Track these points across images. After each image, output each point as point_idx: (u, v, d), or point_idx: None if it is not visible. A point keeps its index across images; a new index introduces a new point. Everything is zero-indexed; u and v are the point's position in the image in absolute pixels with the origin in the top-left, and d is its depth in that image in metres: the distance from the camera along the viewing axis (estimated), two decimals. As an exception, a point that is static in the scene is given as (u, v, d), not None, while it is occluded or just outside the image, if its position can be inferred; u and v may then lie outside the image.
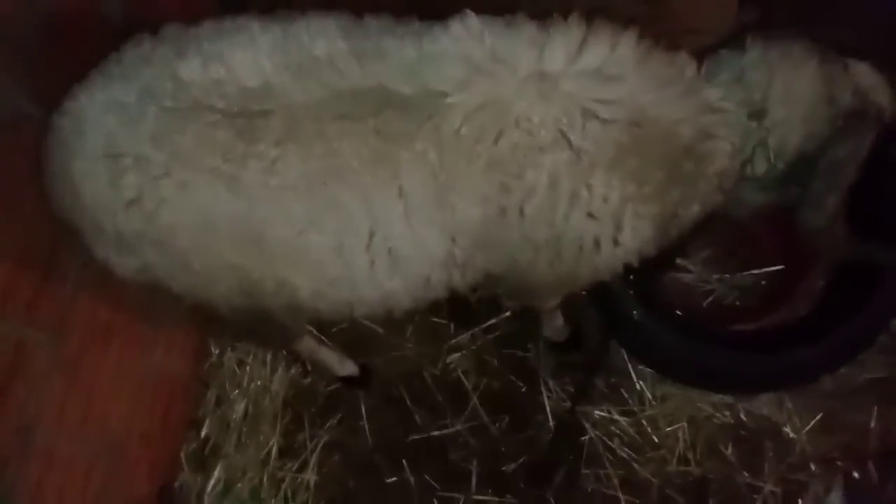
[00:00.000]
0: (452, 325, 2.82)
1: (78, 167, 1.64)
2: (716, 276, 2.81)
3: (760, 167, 1.86)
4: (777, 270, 2.76)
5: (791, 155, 1.85)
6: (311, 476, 2.63)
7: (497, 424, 2.67)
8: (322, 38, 1.65)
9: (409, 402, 2.74)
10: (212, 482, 2.62)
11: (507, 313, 2.80)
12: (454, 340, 2.81)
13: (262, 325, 2.14)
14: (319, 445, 2.69)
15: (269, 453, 2.68)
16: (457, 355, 2.79)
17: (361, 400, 2.76)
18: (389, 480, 2.63)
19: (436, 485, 2.61)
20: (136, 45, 1.70)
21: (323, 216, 1.66)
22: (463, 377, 2.75)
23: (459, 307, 2.76)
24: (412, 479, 2.62)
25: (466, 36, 1.65)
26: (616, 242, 1.78)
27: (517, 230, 1.75)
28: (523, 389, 2.72)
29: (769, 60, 1.81)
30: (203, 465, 2.67)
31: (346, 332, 2.79)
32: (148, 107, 1.61)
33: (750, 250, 2.79)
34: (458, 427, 2.67)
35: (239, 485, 2.62)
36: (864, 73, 1.89)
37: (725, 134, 1.80)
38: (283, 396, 2.78)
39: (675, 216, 1.87)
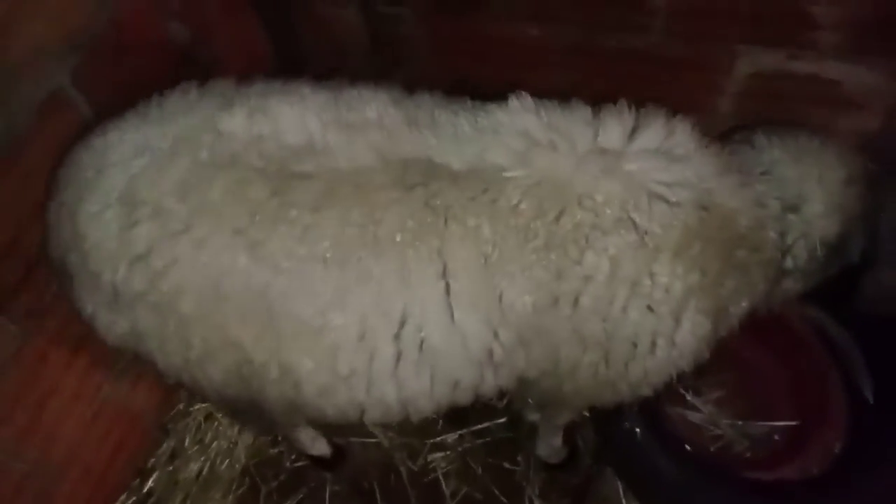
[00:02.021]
0: (440, 421, 2.62)
1: (88, 208, 1.52)
2: (727, 421, 2.63)
3: (801, 258, 1.84)
4: (792, 426, 2.60)
5: (832, 240, 1.85)
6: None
7: (470, 542, 2.40)
8: (374, 103, 1.61)
9: (378, 497, 2.49)
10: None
11: (503, 419, 2.61)
12: (439, 438, 2.60)
13: (249, 412, 1.91)
14: (270, 526, 2.41)
15: (213, 525, 2.40)
16: (439, 455, 2.56)
17: (328, 484, 2.53)
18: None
19: None
20: (181, 93, 1.65)
21: (351, 294, 1.48)
22: (442, 480, 2.51)
23: (452, 403, 2.57)
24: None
25: (523, 111, 1.61)
26: (673, 343, 1.64)
27: (567, 325, 1.59)
28: (505, 505, 2.47)
29: (794, 156, 1.84)
30: (137, 523, 2.38)
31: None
32: (180, 157, 1.52)
33: (765, 397, 2.63)
34: (427, 536, 2.39)
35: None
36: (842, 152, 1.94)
37: (772, 225, 1.77)
38: (244, 463, 2.56)
39: (727, 312, 1.77)
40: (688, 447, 2.38)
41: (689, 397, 2.64)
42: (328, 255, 1.48)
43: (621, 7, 2.47)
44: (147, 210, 1.49)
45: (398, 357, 1.53)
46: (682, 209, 1.57)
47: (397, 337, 1.51)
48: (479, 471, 2.53)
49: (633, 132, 1.60)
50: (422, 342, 1.52)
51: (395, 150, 1.53)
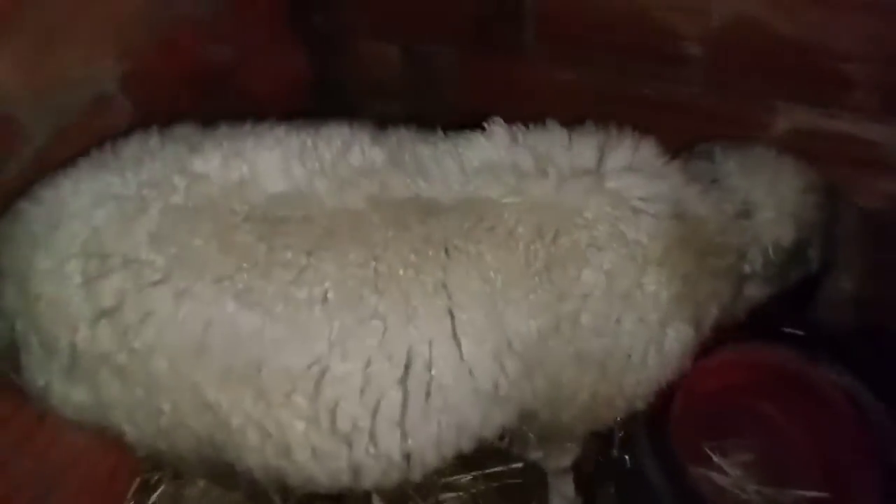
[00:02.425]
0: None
1: (42, 265, 1.39)
2: (753, 487, 2.52)
3: (757, 263, 1.92)
4: (821, 497, 2.47)
5: (790, 246, 1.92)
6: None
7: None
8: (355, 146, 1.58)
9: (386, 534, 2.40)
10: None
11: (519, 465, 2.53)
12: (453, 478, 2.52)
13: (222, 477, 1.80)
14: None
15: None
16: (451, 495, 2.50)
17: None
18: None
19: None
20: (138, 139, 1.57)
21: (353, 338, 1.42)
22: (452, 521, 2.43)
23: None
24: None
25: (503, 140, 1.66)
26: (662, 352, 1.73)
27: (569, 348, 1.61)
28: (515, 556, 2.37)
29: (746, 166, 1.93)
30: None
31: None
32: (150, 202, 1.42)
33: (794, 465, 2.52)
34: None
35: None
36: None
37: (732, 229, 1.86)
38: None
39: (702, 319, 1.85)
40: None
41: (715, 458, 2.54)
42: (329, 295, 1.41)
43: (658, 55, 2.49)
44: (116, 261, 1.38)
45: (404, 403, 1.47)
46: (661, 220, 1.67)
47: (403, 381, 1.46)
48: (490, 516, 2.45)
49: (603, 153, 1.72)
50: (430, 382, 1.48)
51: (385, 194, 1.52)
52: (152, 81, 1.99)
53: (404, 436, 1.50)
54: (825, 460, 2.47)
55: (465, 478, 2.52)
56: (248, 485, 1.74)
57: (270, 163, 1.49)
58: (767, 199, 1.90)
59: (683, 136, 2.53)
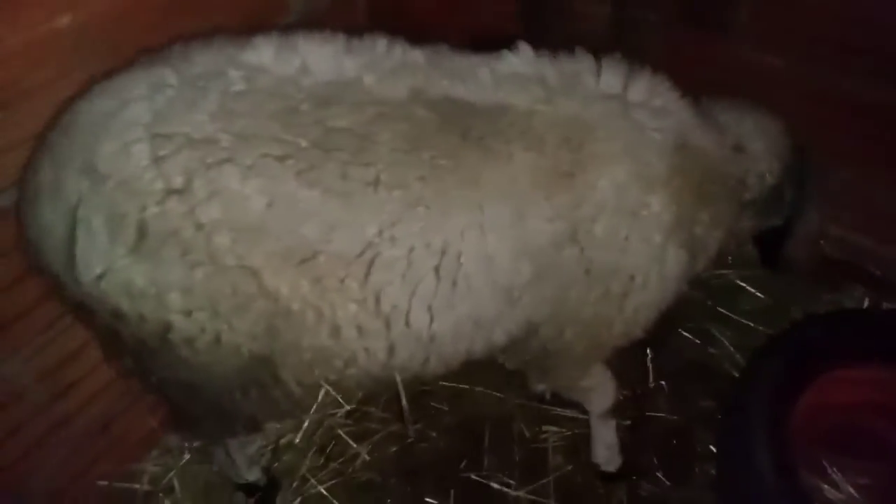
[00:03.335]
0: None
1: (108, 149, 1.43)
2: (868, 511, 2.41)
3: (755, 189, 2.12)
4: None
5: (774, 178, 2.13)
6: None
7: None
8: (398, 49, 1.67)
9: (485, 444, 2.58)
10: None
11: (627, 422, 2.58)
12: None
13: (247, 400, 1.78)
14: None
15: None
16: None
17: (442, 415, 2.67)
18: None
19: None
20: (180, 45, 1.61)
21: (400, 221, 1.54)
22: (550, 452, 2.55)
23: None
24: None
25: (530, 57, 1.77)
26: (662, 276, 1.88)
27: (581, 258, 1.76)
28: None
29: (735, 108, 2.15)
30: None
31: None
32: (208, 90, 1.47)
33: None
34: None
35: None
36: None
37: (732, 157, 2.05)
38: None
39: (704, 244, 2.02)
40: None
41: (832, 472, 2.45)
42: (382, 177, 1.50)
43: (881, 55, 2.36)
44: (182, 141, 1.42)
45: (436, 289, 1.63)
46: (668, 147, 1.83)
47: (437, 268, 1.61)
48: (585, 457, 2.55)
49: (627, 83, 1.86)
50: (458, 271, 1.63)
51: (430, 90, 1.62)
52: None
53: (432, 318, 1.67)
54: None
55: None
56: (249, 420, 1.92)
57: (321, 56, 1.56)
58: (756, 136, 2.11)
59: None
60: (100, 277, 1.48)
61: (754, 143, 2.11)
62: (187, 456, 2.53)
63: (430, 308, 1.67)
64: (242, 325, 1.56)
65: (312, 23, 1.72)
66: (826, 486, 2.44)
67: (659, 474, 2.50)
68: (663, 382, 2.73)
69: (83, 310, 1.61)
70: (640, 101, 1.86)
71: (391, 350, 1.72)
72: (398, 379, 1.92)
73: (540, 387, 2.43)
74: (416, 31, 1.82)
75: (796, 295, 2.87)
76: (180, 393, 1.79)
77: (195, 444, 2.53)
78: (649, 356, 2.74)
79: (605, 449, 2.47)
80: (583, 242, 1.74)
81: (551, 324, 1.89)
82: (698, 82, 2.95)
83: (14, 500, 2.20)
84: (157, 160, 1.42)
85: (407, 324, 1.68)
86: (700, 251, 2.04)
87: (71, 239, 1.47)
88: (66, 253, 1.49)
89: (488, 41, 1.85)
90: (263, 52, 1.55)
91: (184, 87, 1.48)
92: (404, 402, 2.28)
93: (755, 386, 2.34)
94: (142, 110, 1.45)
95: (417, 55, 1.67)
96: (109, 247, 1.45)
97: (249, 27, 1.72)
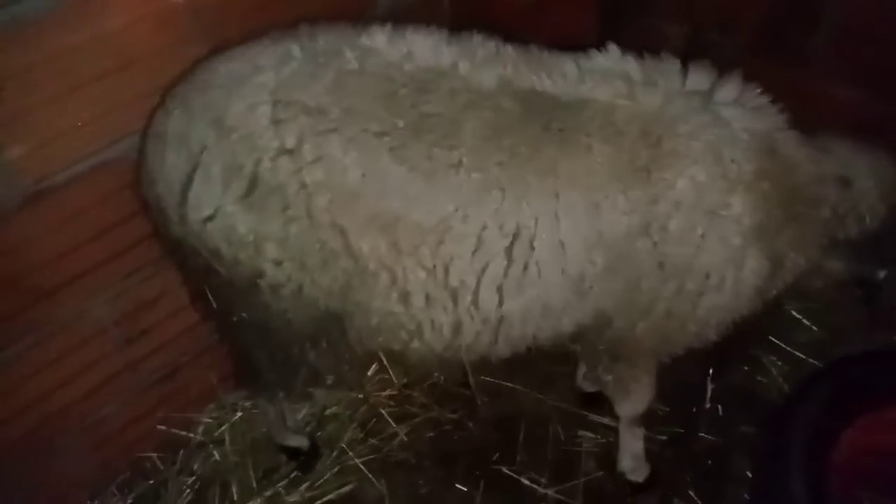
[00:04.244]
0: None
1: (237, 107, 1.62)
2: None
3: (853, 230, 2.01)
4: None
5: (877, 223, 2.01)
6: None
7: None
8: (492, 42, 1.78)
9: (519, 442, 2.64)
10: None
11: (663, 437, 2.61)
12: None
13: (314, 352, 1.95)
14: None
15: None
16: (589, 434, 2.65)
17: (478, 408, 2.74)
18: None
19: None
20: (305, 26, 1.76)
21: (476, 202, 1.65)
22: (583, 456, 2.58)
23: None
24: None
25: (617, 55, 1.81)
26: (738, 280, 1.84)
27: (653, 254, 1.77)
28: None
29: (850, 146, 2.03)
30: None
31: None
32: (327, 66, 1.65)
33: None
34: None
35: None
36: None
37: (830, 186, 1.94)
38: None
39: (783, 264, 1.95)
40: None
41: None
42: (464, 160, 1.62)
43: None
44: (299, 108, 1.60)
45: (507, 271, 1.72)
46: (755, 150, 1.79)
47: (509, 250, 1.70)
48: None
49: (715, 84, 1.85)
50: (529, 256, 1.71)
51: (517, 82, 1.72)
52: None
53: (500, 300, 1.75)
54: None
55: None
56: (310, 373, 2.04)
57: (426, 44, 1.72)
58: (867, 175, 1.99)
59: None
60: (207, 219, 1.68)
61: (863, 182, 2.00)
62: (240, 414, 2.70)
63: (499, 289, 1.75)
64: (324, 280, 1.73)
65: (397, 19, 1.86)
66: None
67: (691, 492, 2.49)
68: (708, 404, 2.73)
69: (180, 248, 1.82)
70: (729, 100, 1.84)
71: (457, 327, 1.81)
72: (465, 359, 2.00)
73: (606, 377, 2.37)
74: (497, 35, 1.91)
75: (853, 332, 2.81)
76: (254, 337, 1.96)
77: (249, 402, 2.70)
78: (710, 375, 2.73)
79: (631, 458, 2.48)
80: (656, 237, 1.75)
81: (624, 316, 1.93)
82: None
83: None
84: (276, 122, 1.61)
85: (475, 302, 1.76)
86: (779, 270, 1.98)
87: (189, 180, 1.67)
88: (181, 193, 1.69)
89: (570, 50, 1.93)
90: (377, 38, 1.72)
91: (306, 61, 1.67)
92: (471, 379, 2.34)
93: (797, 415, 2.32)
94: (269, 77, 1.64)
95: (509, 49, 1.79)
96: (222, 193, 1.65)
97: (339, 17, 1.88)
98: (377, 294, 1.75)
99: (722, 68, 3.00)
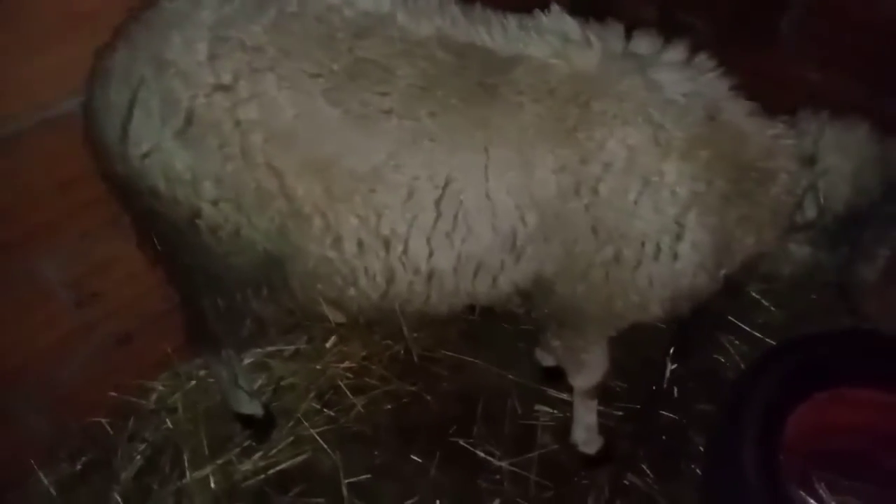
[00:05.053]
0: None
1: (176, 40, 1.62)
2: (850, 535, 2.36)
3: (811, 212, 1.90)
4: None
5: (840, 206, 1.88)
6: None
7: None
8: None
9: (477, 414, 2.63)
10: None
11: (620, 412, 2.62)
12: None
13: (257, 298, 1.95)
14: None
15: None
16: (546, 408, 2.66)
17: (443, 381, 2.74)
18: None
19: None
20: None
21: (408, 151, 1.66)
22: (539, 430, 2.59)
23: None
24: None
25: (561, 17, 1.79)
26: (676, 253, 1.81)
27: (586, 216, 1.76)
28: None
29: (819, 116, 1.93)
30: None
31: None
32: (267, 6, 1.66)
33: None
34: None
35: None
36: None
37: (784, 162, 1.87)
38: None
39: (730, 244, 1.89)
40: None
41: (820, 489, 2.42)
42: (395, 106, 1.63)
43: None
44: (236, 44, 1.62)
45: (435, 223, 1.72)
46: (692, 114, 1.76)
47: (438, 202, 1.70)
48: (574, 441, 2.58)
49: (660, 49, 1.82)
50: (458, 209, 1.71)
51: (454, 34, 1.72)
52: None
53: (431, 252, 1.76)
54: None
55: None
56: (256, 322, 2.03)
57: None
58: (837, 154, 1.88)
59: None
60: (146, 155, 1.68)
61: (829, 160, 1.89)
62: (194, 382, 2.67)
63: (428, 241, 1.75)
64: (260, 223, 1.74)
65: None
66: (812, 501, 2.42)
67: (645, 467, 2.51)
68: (666, 383, 2.73)
69: (124, 188, 1.81)
70: (670, 64, 1.81)
71: (390, 276, 1.82)
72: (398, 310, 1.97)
73: (554, 342, 2.37)
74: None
75: (813, 314, 2.83)
76: (199, 284, 1.96)
77: (204, 371, 2.67)
78: (670, 353, 2.74)
79: (584, 430, 2.49)
80: (587, 199, 1.75)
81: (564, 281, 1.91)
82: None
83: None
84: (212, 58, 1.62)
85: (405, 251, 1.77)
86: (726, 248, 1.91)
87: (129, 115, 1.67)
88: (122, 128, 1.69)
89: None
90: None
91: (248, 1, 1.67)
92: (406, 331, 2.32)
93: (750, 392, 2.34)
94: (209, 14, 1.65)
95: (454, 9, 1.77)
96: (160, 128, 1.65)
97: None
98: (312, 237, 1.76)
99: (693, 50, 3.07)
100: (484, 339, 2.91)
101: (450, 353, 2.83)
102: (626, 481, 2.48)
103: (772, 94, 2.73)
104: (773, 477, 2.16)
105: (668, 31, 3.05)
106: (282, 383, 2.71)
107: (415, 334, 2.85)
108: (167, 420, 2.55)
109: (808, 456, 2.36)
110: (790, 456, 2.22)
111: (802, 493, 2.38)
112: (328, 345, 2.80)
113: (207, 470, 2.42)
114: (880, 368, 2.35)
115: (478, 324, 2.92)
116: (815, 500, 2.39)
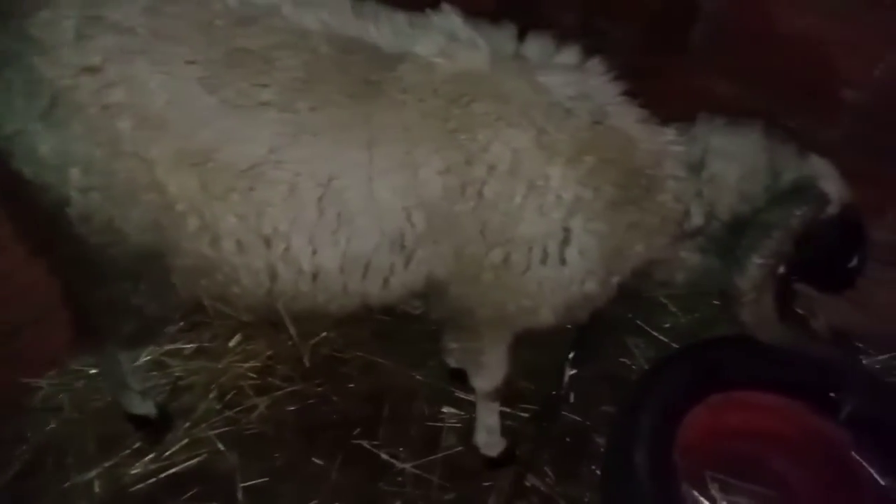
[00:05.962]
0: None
1: (44, 16, 1.54)
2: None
3: (698, 219, 1.91)
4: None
5: (726, 213, 1.89)
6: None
7: None
8: None
9: (384, 413, 2.60)
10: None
11: (526, 414, 2.62)
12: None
13: (137, 292, 1.85)
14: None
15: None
16: (453, 410, 2.63)
17: (348, 381, 2.69)
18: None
19: None
20: None
21: (289, 145, 1.61)
22: (444, 432, 2.57)
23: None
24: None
25: (452, 17, 1.77)
26: (563, 261, 1.80)
27: (473, 219, 1.75)
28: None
29: (713, 122, 1.93)
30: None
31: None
32: None
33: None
34: None
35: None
36: (819, 164, 1.91)
37: (672, 168, 1.86)
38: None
39: (621, 252, 1.89)
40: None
41: (713, 490, 2.48)
42: (274, 98, 1.58)
43: (811, 90, 2.43)
44: (107, 25, 1.54)
45: (318, 220, 1.68)
46: (577, 119, 1.75)
47: (320, 200, 1.67)
48: (479, 442, 2.56)
49: (551, 53, 1.81)
50: (342, 208, 1.68)
51: (341, 28, 1.68)
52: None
53: (314, 251, 1.72)
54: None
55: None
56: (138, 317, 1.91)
57: None
58: (725, 160, 1.87)
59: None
60: (11, 137, 1.59)
61: (716, 166, 1.88)
62: (83, 381, 2.54)
63: (311, 239, 1.70)
64: (132, 215, 1.66)
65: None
66: (704, 501, 2.47)
67: (547, 468, 2.52)
68: (571, 385, 2.76)
69: None
70: (559, 68, 1.79)
71: (273, 274, 1.75)
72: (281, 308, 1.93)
73: (452, 344, 2.37)
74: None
75: (718, 319, 2.91)
76: (78, 277, 1.87)
77: (94, 371, 2.54)
78: (572, 356, 2.77)
79: (486, 433, 2.48)
80: (473, 201, 1.73)
81: (456, 284, 1.89)
82: (650, 98, 3.07)
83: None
84: (80, 37, 1.53)
85: (287, 249, 1.71)
86: (616, 255, 1.90)
87: None
88: None
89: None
90: None
91: None
92: (291, 329, 2.25)
93: (647, 394, 2.38)
94: None
95: (343, 3, 1.72)
96: (25, 108, 1.56)
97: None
98: (186, 236, 1.69)
99: (610, 58, 3.11)
100: (397, 339, 2.87)
101: (361, 354, 2.78)
102: (527, 483, 2.48)
103: (681, 102, 2.84)
104: (665, 476, 2.20)
105: (587, 37, 3.15)
106: (180, 383, 2.61)
107: (325, 334, 2.82)
108: (51, 420, 2.42)
109: (704, 457, 2.42)
110: (686, 457, 2.28)
111: (695, 493, 2.43)
112: (232, 343, 2.72)
113: (92, 473, 2.30)
114: (771, 373, 2.42)
115: (390, 324, 2.88)
116: (708, 501, 2.45)
